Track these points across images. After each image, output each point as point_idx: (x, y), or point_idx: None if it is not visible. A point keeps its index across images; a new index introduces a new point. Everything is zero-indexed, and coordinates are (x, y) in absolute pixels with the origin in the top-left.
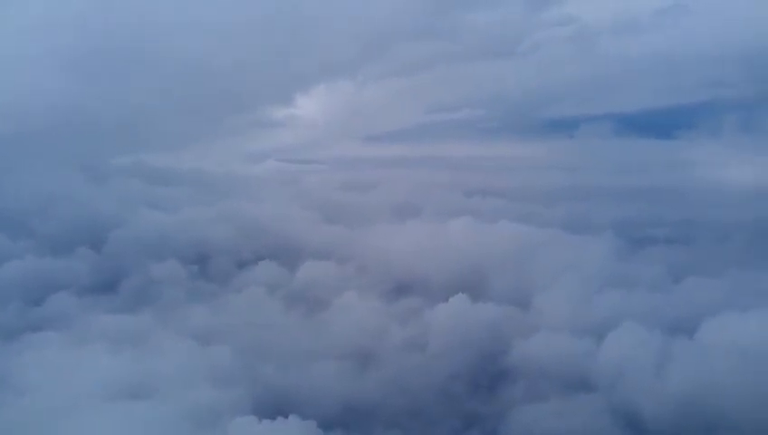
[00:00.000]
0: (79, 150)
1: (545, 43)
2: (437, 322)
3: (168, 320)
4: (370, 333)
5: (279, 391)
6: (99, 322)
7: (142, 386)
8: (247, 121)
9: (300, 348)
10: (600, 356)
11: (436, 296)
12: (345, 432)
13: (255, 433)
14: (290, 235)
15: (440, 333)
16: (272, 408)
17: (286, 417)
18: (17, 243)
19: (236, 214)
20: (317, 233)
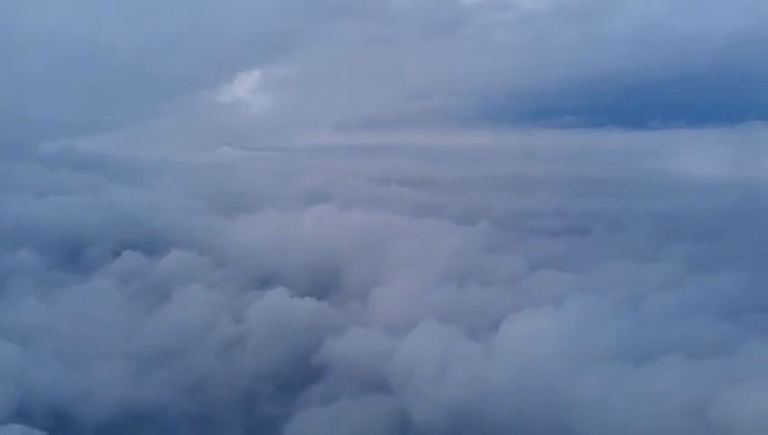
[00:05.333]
0: None
1: (488, 28)
2: (256, 317)
3: None
4: (198, 328)
5: (51, 394)
6: None
7: None
8: (194, 106)
9: (109, 346)
10: (398, 356)
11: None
12: None
13: None
14: (165, 224)
15: (258, 329)
16: (40, 412)
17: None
18: None
19: (116, 202)
20: (194, 223)
